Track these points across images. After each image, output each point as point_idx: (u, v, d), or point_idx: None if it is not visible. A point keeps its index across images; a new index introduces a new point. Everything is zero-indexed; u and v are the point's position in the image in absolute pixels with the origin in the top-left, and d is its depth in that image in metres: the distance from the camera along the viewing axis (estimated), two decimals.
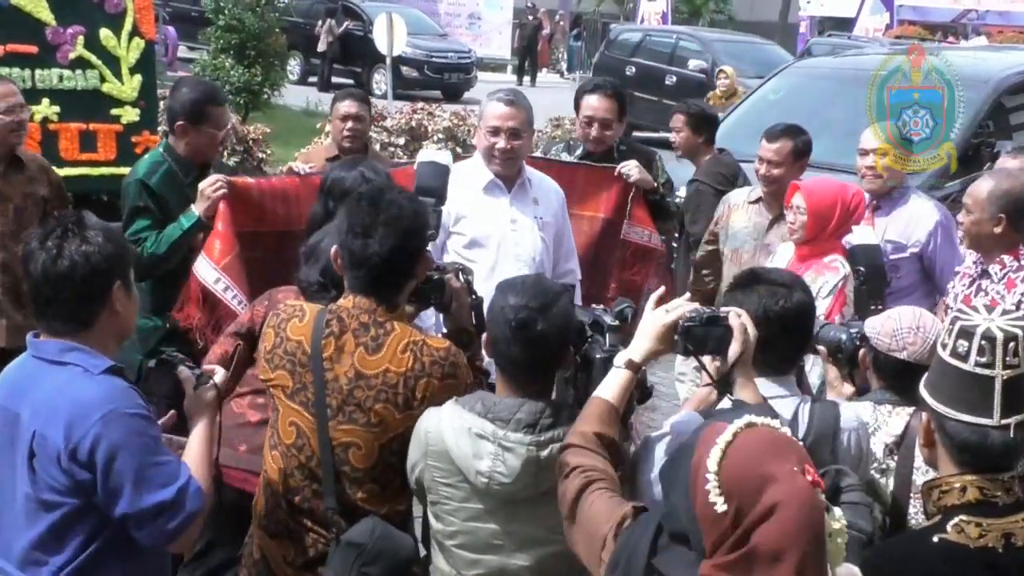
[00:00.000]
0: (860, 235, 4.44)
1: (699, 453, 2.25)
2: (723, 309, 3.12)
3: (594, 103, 6.10)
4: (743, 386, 3.03)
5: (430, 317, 4.22)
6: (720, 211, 6.28)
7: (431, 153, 4.28)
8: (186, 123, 5.21)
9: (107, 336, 3.09)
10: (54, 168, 8.59)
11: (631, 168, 5.79)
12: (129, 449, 2.91)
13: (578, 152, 6.22)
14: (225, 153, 11.37)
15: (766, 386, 3.24)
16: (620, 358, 3.04)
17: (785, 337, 3.29)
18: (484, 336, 3.37)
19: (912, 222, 5.65)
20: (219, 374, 3.38)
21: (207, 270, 4.93)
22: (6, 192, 5.62)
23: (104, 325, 3.06)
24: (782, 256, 5.15)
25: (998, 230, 4.72)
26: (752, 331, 3.05)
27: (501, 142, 5.00)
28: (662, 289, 3.24)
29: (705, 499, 2.20)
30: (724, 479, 2.20)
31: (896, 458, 3.42)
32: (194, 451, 3.18)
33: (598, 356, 3.18)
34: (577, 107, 6.25)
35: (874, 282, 4.36)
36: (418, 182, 4.13)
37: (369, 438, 3.36)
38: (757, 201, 6.03)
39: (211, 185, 5.00)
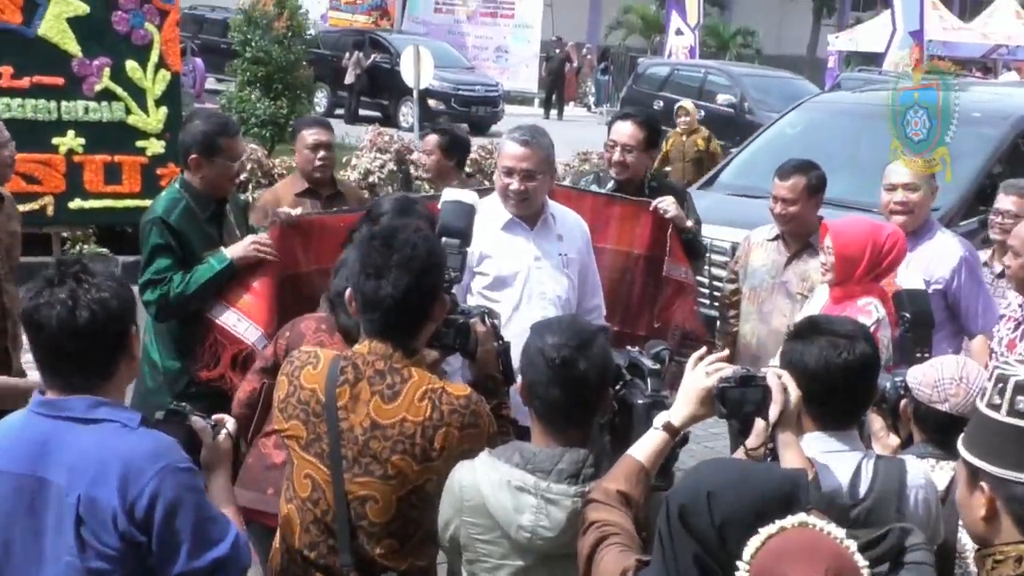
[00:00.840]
0: (907, 279, 4.29)
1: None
2: (763, 369, 3.05)
3: (620, 128, 6.07)
4: (785, 446, 2.94)
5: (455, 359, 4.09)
6: (741, 248, 6.15)
7: (456, 192, 4.13)
8: (200, 156, 5.09)
9: (123, 383, 2.98)
10: (77, 199, 8.82)
11: (668, 204, 5.70)
12: (186, 506, 2.79)
13: (609, 185, 6.14)
14: (250, 187, 11.34)
15: (825, 441, 3.15)
16: (659, 419, 2.96)
17: (848, 391, 3.16)
18: (519, 382, 3.23)
19: (936, 258, 5.48)
20: (230, 423, 3.24)
21: (251, 330, 4.88)
22: None
23: (123, 373, 2.93)
24: (819, 297, 5.01)
25: None
26: (793, 391, 2.97)
27: (514, 183, 4.88)
28: (703, 349, 3.13)
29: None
30: (753, 572, 2.14)
31: None
32: (223, 504, 3.05)
33: (639, 402, 3.08)
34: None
35: (921, 329, 4.20)
36: (442, 222, 3.98)
37: (386, 491, 3.20)
38: (776, 239, 5.88)
39: (265, 247, 5.00)
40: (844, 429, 3.19)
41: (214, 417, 3.22)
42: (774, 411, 2.94)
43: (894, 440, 3.64)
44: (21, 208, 8.71)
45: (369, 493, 3.21)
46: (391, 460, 3.18)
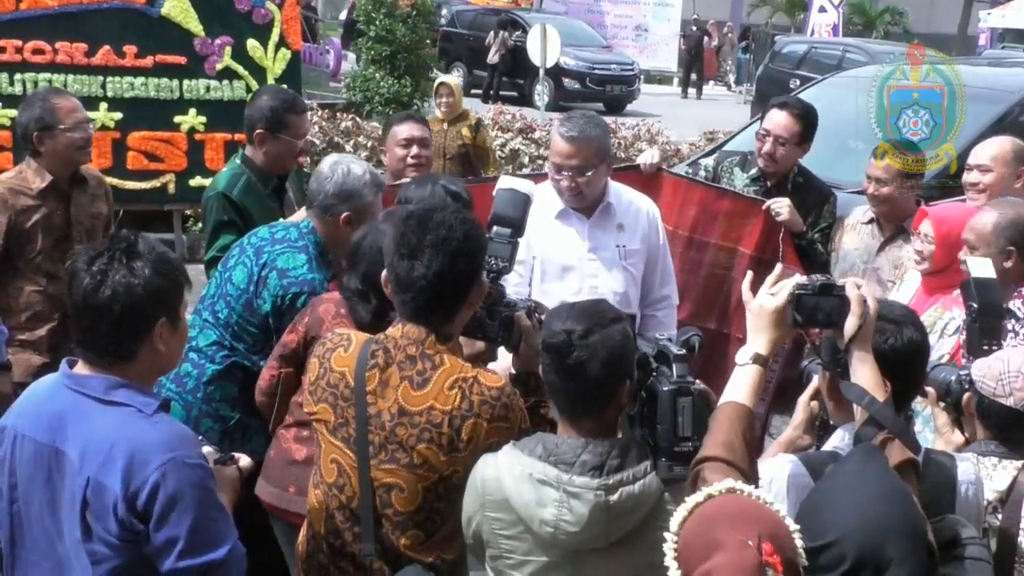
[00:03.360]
0: (976, 267, 4.09)
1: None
2: (840, 280, 2.92)
3: (774, 118, 5.79)
4: (862, 362, 2.81)
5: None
6: (834, 230, 5.88)
7: (511, 180, 3.96)
8: (265, 131, 5.09)
9: (147, 372, 2.90)
10: (198, 177, 9.00)
11: (782, 206, 5.49)
12: (187, 502, 2.73)
13: (752, 172, 5.92)
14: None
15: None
16: (743, 354, 2.83)
17: (893, 379, 2.95)
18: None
19: None
20: (243, 461, 3.17)
21: None
22: (77, 216, 5.35)
23: (144, 361, 2.86)
24: (909, 285, 4.82)
25: (1008, 264, 4.32)
26: (872, 304, 2.85)
27: (565, 180, 4.71)
28: (750, 275, 3.01)
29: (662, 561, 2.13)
30: (681, 542, 2.13)
31: (1000, 517, 3.11)
32: None
33: (665, 388, 2.92)
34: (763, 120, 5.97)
35: (988, 320, 4.00)
36: (495, 210, 3.80)
37: (412, 480, 3.11)
38: (871, 222, 5.64)
39: None
40: None
41: (233, 454, 3.17)
42: (851, 323, 2.81)
43: (958, 437, 3.46)
44: (143, 186, 9.07)
45: (395, 481, 3.13)
46: (417, 448, 3.09)
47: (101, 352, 2.83)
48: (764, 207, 5.52)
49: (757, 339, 2.84)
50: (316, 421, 3.28)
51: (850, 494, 2.60)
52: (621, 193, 4.96)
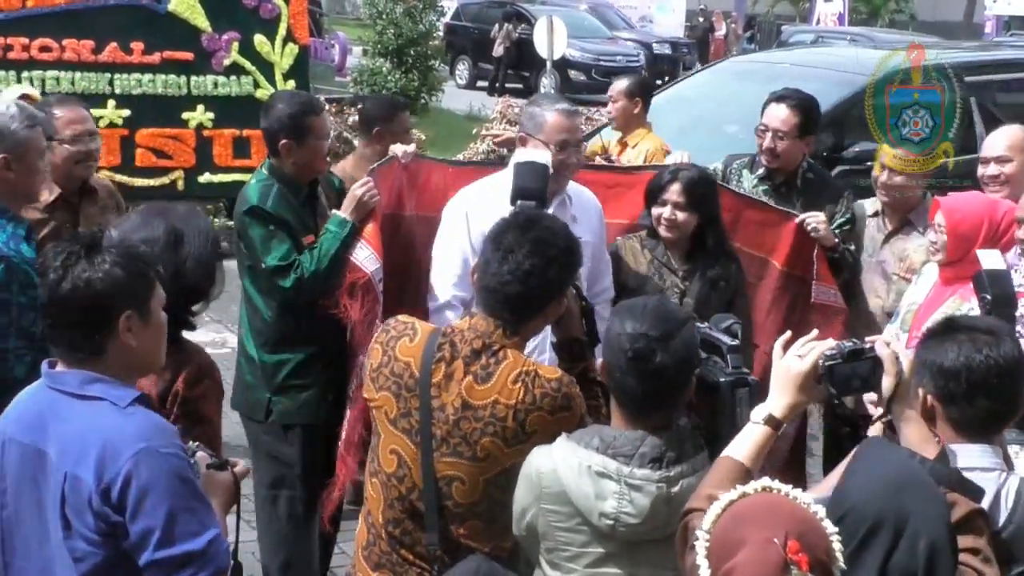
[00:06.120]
0: (987, 259, 4.06)
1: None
2: (868, 339, 2.85)
3: (771, 111, 5.64)
4: (907, 421, 2.77)
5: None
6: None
7: (529, 152, 3.93)
8: (290, 141, 4.84)
9: (122, 368, 2.88)
10: (207, 173, 8.97)
11: (819, 222, 5.22)
12: (160, 491, 2.70)
13: (760, 171, 5.74)
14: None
15: (965, 454, 2.85)
16: (758, 413, 2.78)
17: (991, 394, 2.85)
18: (600, 362, 3.16)
19: None
20: (239, 466, 3.15)
21: (370, 259, 4.72)
22: (86, 228, 5.04)
23: (115, 356, 2.84)
24: (927, 277, 4.80)
25: None
26: (905, 359, 2.80)
27: (574, 157, 4.61)
28: (788, 334, 2.92)
29: (692, 560, 2.12)
30: (712, 540, 2.13)
31: None
32: None
33: (722, 380, 2.96)
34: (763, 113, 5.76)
35: (1002, 311, 3.97)
36: (516, 183, 3.79)
37: (474, 472, 3.19)
38: (876, 215, 5.57)
39: (367, 191, 4.76)
40: (987, 440, 2.88)
41: (228, 459, 3.14)
42: (887, 384, 2.76)
43: None
44: (152, 183, 9.02)
45: (456, 474, 3.20)
46: (481, 442, 3.16)
47: (70, 347, 2.85)
48: (798, 220, 5.27)
49: (777, 401, 2.78)
50: (375, 408, 3.32)
51: (863, 471, 2.60)
52: (571, 187, 4.83)
